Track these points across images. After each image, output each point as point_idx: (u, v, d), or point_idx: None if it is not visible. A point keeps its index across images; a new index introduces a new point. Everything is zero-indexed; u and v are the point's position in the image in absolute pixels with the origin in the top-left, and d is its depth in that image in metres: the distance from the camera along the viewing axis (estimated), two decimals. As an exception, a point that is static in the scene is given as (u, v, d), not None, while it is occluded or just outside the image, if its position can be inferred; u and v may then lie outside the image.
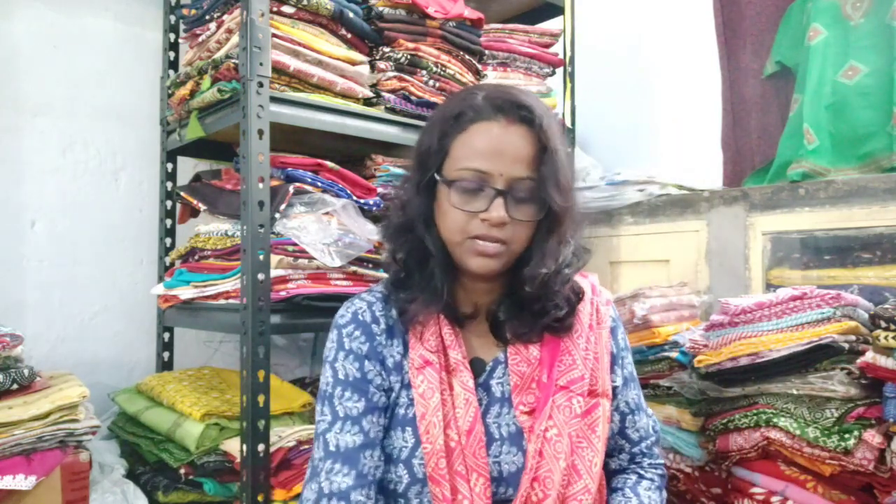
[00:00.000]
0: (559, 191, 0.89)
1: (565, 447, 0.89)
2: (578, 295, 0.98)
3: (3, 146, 1.70)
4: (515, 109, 0.90)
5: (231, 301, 1.45)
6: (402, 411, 0.93)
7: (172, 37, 1.87)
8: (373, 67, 1.63)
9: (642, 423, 1.04)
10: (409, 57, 1.63)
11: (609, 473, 1.04)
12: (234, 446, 1.38)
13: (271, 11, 1.39)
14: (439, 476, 0.87)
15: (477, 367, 0.96)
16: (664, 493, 1.04)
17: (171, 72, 1.85)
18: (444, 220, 0.92)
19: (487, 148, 0.89)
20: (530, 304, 0.94)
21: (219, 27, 1.51)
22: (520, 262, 0.94)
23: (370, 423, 0.91)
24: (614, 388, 1.00)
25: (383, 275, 1.08)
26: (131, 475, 1.51)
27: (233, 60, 1.39)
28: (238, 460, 1.34)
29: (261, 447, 1.31)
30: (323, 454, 0.89)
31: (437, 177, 0.92)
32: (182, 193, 1.66)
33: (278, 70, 1.41)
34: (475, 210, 0.88)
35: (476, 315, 0.98)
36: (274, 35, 1.39)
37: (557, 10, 2.13)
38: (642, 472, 1.03)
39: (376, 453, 0.90)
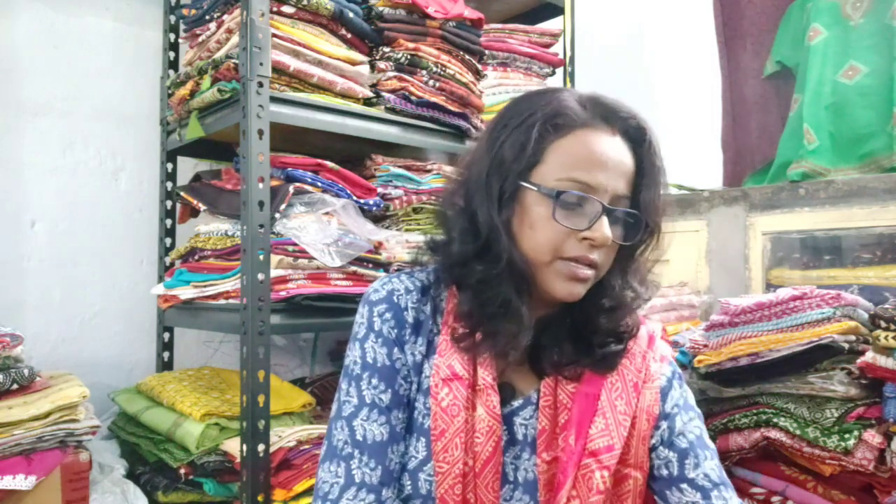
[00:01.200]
0: (658, 214, 0.82)
1: None
2: (636, 331, 0.87)
3: (3, 146, 1.70)
4: (621, 120, 0.81)
5: (231, 301, 1.45)
6: (419, 418, 0.85)
7: (172, 37, 1.87)
8: (373, 67, 1.63)
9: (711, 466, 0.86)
10: (409, 57, 1.63)
11: None
12: (234, 446, 1.38)
13: (271, 11, 1.39)
14: (453, 501, 0.80)
15: (505, 392, 0.86)
16: None
17: (171, 72, 1.85)
18: (533, 236, 0.79)
19: (594, 157, 0.79)
20: (584, 333, 0.84)
21: (219, 27, 1.51)
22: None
23: (396, 419, 0.84)
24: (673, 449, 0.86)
25: (383, 275, 1.03)
26: (131, 475, 1.51)
27: (233, 60, 1.39)
28: (238, 460, 1.34)
29: (261, 447, 1.31)
30: (349, 440, 0.82)
31: (531, 185, 0.80)
32: (182, 193, 1.66)
33: (278, 70, 1.41)
34: (577, 228, 0.78)
35: None
36: (274, 35, 1.39)
37: (557, 10, 2.14)
38: None
39: (400, 449, 0.84)
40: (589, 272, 0.79)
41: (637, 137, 0.82)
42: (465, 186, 0.86)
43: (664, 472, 0.86)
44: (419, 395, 0.86)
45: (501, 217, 0.81)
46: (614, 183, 0.79)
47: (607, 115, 0.81)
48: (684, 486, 0.84)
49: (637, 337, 0.88)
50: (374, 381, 0.84)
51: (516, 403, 0.86)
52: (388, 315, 0.86)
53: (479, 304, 0.83)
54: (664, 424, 0.87)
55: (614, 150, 0.80)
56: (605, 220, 0.78)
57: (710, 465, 0.85)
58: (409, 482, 0.83)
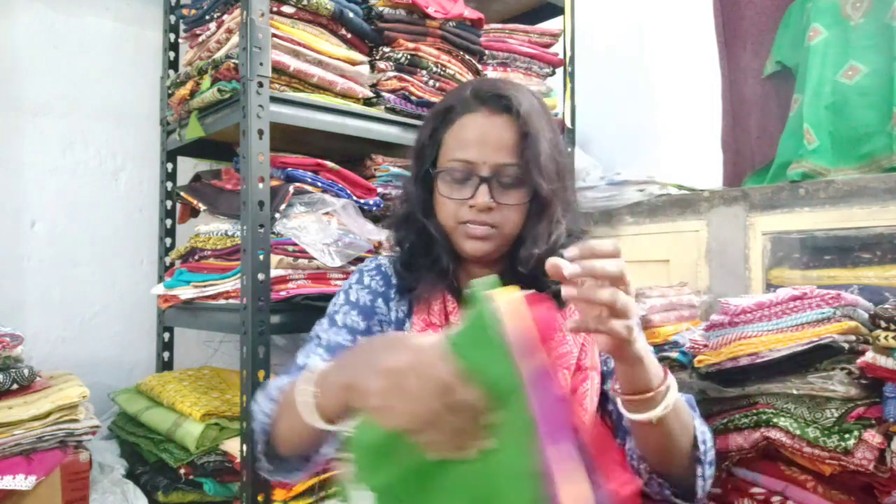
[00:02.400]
0: (543, 175, 0.94)
1: None
2: None
3: (3, 146, 1.70)
4: (497, 100, 0.96)
5: (231, 301, 1.45)
6: None
7: (172, 37, 1.87)
8: (373, 67, 1.63)
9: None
10: (409, 57, 1.63)
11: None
12: (234, 446, 1.38)
13: (271, 11, 1.39)
14: None
15: None
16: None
17: (171, 72, 1.85)
18: (439, 210, 0.99)
19: (472, 138, 0.95)
20: (528, 285, 0.94)
21: (219, 27, 1.51)
22: (516, 245, 0.99)
23: (350, 334, 0.99)
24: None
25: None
26: (131, 475, 1.51)
27: (233, 60, 1.39)
28: (238, 460, 1.34)
29: (261, 447, 1.31)
30: (314, 345, 0.99)
31: (431, 170, 0.99)
32: (182, 193, 1.66)
33: (278, 70, 1.41)
34: (463, 198, 0.95)
35: None
36: (274, 35, 1.39)
37: (557, 10, 2.13)
38: None
39: None
40: (484, 230, 0.94)
41: (515, 112, 0.95)
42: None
43: (605, 368, 1.05)
44: None
45: (422, 198, 1.01)
46: (493, 156, 0.94)
47: (486, 98, 0.96)
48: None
49: None
50: (354, 313, 1.01)
51: None
52: (377, 277, 1.05)
53: (405, 258, 1.03)
54: None
55: (492, 127, 0.95)
56: (483, 188, 0.93)
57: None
58: None
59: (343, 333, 0.99)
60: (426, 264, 1.01)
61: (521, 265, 0.96)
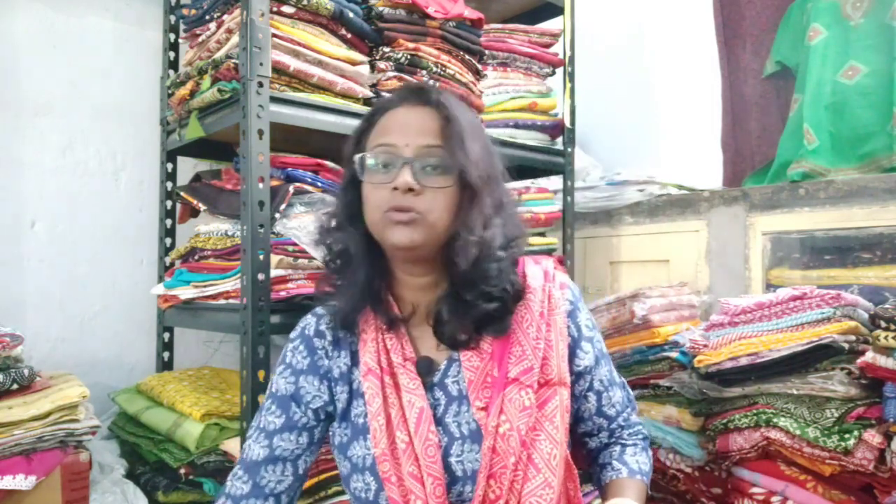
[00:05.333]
0: (469, 159, 0.90)
1: (517, 442, 0.87)
2: (518, 292, 0.95)
3: (3, 146, 1.70)
4: (415, 94, 0.96)
5: (231, 301, 1.45)
6: (360, 420, 0.94)
7: (172, 37, 1.87)
8: (373, 67, 1.63)
9: (617, 397, 1.03)
10: (409, 57, 1.63)
11: (592, 453, 1.06)
12: (234, 446, 1.38)
13: (271, 11, 1.39)
14: (386, 479, 0.87)
15: (423, 366, 0.94)
16: (650, 453, 1.05)
17: (171, 72, 1.85)
18: (367, 206, 0.93)
19: (394, 125, 0.93)
20: (465, 292, 0.92)
21: (219, 27, 1.51)
22: (450, 243, 0.92)
23: (283, 440, 0.96)
24: (585, 369, 0.99)
25: None
26: (131, 475, 1.51)
27: (233, 60, 1.39)
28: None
29: (261, 447, 1.31)
30: (239, 458, 0.98)
31: (355, 159, 0.95)
32: (182, 193, 1.66)
33: (278, 70, 1.40)
34: (385, 182, 0.90)
35: (414, 315, 0.97)
36: (274, 35, 1.39)
37: (557, 10, 2.13)
38: (624, 441, 1.04)
39: (279, 469, 0.95)
40: (409, 216, 0.89)
41: (435, 102, 0.94)
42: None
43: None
44: (353, 400, 0.96)
45: (347, 201, 0.97)
46: (415, 138, 0.91)
47: (408, 95, 0.97)
48: (589, 394, 1.01)
49: (530, 278, 0.98)
50: (273, 408, 0.98)
51: (441, 368, 0.95)
52: (301, 347, 1.00)
53: (328, 275, 1.00)
54: (582, 344, 0.99)
55: (414, 115, 0.94)
56: (406, 169, 0.89)
57: (604, 371, 1.01)
58: (371, 478, 0.90)
59: (262, 440, 0.97)
60: (348, 280, 0.97)
61: (459, 257, 0.89)
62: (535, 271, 1.00)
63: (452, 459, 0.89)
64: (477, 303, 0.91)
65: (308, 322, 1.03)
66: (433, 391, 0.93)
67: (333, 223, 1.00)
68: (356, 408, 0.95)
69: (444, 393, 0.93)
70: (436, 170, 0.90)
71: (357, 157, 0.94)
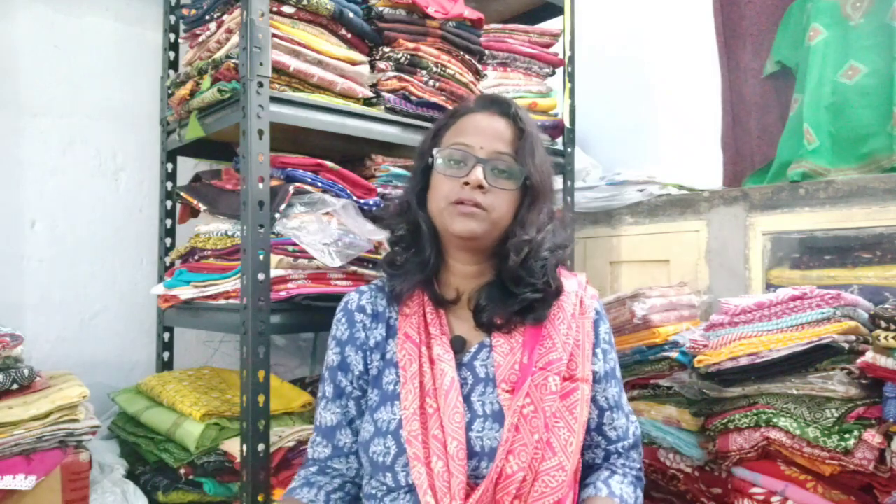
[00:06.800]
0: (535, 166, 1.02)
1: (540, 423, 0.93)
2: (558, 290, 1.04)
3: (3, 146, 1.70)
4: (496, 103, 1.07)
5: (231, 301, 1.45)
6: (390, 388, 1.01)
7: (172, 37, 1.87)
8: (373, 67, 1.63)
9: (620, 422, 1.06)
10: (409, 57, 1.63)
11: (584, 468, 1.06)
12: (234, 446, 1.38)
13: (271, 11, 1.39)
14: (413, 437, 0.93)
15: (457, 344, 1.03)
16: (640, 492, 1.05)
17: (171, 72, 1.85)
18: (434, 194, 1.03)
19: (472, 128, 1.04)
20: (511, 284, 1.01)
21: (219, 27, 1.51)
22: (505, 238, 1.03)
23: (341, 407, 1.06)
24: (595, 377, 1.04)
25: (382, 275, 1.13)
26: (131, 475, 1.51)
27: (233, 60, 1.39)
28: (238, 460, 1.34)
29: (261, 447, 1.31)
30: (314, 426, 1.09)
31: (431, 157, 1.04)
32: (182, 193, 1.66)
33: (278, 70, 1.41)
34: (458, 176, 1.00)
35: (458, 300, 1.06)
36: (274, 35, 1.39)
37: (557, 10, 2.13)
38: (615, 469, 1.05)
39: (350, 432, 1.06)
40: (473, 209, 0.98)
41: (513, 115, 1.05)
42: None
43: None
44: (386, 368, 1.04)
45: (417, 188, 1.08)
46: (490, 143, 1.02)
47: (488, 104, 1.08)
48: (592, 406, 1.05)
49: (565, 284, 1.06)
50: (328, 379, 1.08)
51: (472, 350, 1.03)
52: (343, 321, 1.10)
53: (395, 251, 1.10)
54: (598, 351, 1.07)
55: (491, 122, 1.04)
56: (479, 168, 0.99)
57: (613, 392, 1.07)
58: (392, 442, 0.96)
59: (330, 406, 1.08)
60: (411, 257, 1.06)
61: (513, 252, 0.99)
62: (570, 280, 1.09)
63: (473, 434, 0.94)
64: (521, 292, 1.00)
65: (350, 297, 1.12)
66: (461, 370, 1.01)
67: (398, 203, 1.12)
68: (387, 376, 1.03)
69: (471, 373, 1.01)
70: (503, 173, 1.01)
71: (435, 150, 1.04)
